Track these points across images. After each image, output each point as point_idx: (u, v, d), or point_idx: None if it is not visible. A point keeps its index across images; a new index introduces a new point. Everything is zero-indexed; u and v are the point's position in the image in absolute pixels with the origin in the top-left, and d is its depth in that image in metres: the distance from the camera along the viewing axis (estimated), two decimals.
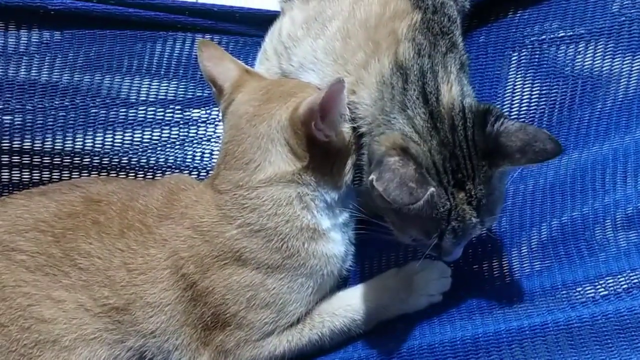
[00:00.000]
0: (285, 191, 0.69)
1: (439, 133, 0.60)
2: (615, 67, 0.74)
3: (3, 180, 0.80)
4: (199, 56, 0.76)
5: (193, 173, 0.84)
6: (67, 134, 0.80)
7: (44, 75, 0.77)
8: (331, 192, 0.70)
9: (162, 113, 0.83)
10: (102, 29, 0.77)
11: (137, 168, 0.83)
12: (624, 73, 0.73)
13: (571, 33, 0.78)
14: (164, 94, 0.83)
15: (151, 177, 0.83)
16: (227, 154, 0.70)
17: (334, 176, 0.70)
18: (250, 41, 0.84)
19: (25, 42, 0.75)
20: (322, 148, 0.67)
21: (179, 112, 0.83)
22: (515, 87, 0.78)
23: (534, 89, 0.77)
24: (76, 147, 0.81)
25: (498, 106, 0.73)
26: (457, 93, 0.62)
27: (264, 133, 0.69)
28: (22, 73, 0.76)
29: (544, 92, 0.76)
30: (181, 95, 0.83)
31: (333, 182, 0.70)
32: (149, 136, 0.82)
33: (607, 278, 0.64)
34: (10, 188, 0.81)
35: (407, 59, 0.65)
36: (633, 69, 0.73)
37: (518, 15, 0.82)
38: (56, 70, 0.78)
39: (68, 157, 0.81)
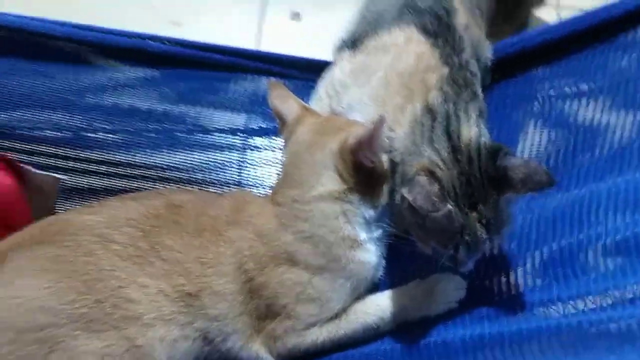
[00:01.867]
0: (332, 207, 0.83)
1: (459, 164, 0.74)
2: (612, 120, 0.87)
3: (101, 187, 0.96)
4: (268, 94, 0.90)
5: (250, 189, 1.00)
6: (156, 152, 0.96)
7: (144, 104, 0.95)
8: (369, 210, 0.84)
9: (230, 139, 0.99)
10: (191, 69, 0.95)
11: (207, 182, 0.99)
12: (618, 126, 0.85)
13: (576, 90, 0.92)
14: (233, 123, 0.99)
15: (217, 190, 0.99)
16: (287, 174, 0.85)
17: (372, 197, 0.84)
18: (307, 85, 1.01)
19: (133, 77, 0.93)
20: (365, 173, 0.81)
21: (244, 139, 0.99)
22: (527, 134, 0.93)
23: (543, 136, 0.90)
24: (162, 162, 0.96)
25: (513, 149, 0.88)
26: (475, 134, 0.77)
27: (319, 159, 0.83)
28: (128, 101, 0.94)
29: (551, 138, 0.90)
30: (247, 126, 1.00)
31: (372, 202, 0.84)
32: (220, 157, 0.98)
33: (595, 295, 0.74)
34: (108, 193, 0.96)
35: (436, 104, 0.81)
36: (626, 122, 0.85)
37: (532, 73, 0.97)
38: (153, 101, 0.95)
39: (154, 170, 0.97)
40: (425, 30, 0.90)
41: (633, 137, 0.84)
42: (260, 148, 1.00)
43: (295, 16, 1.57)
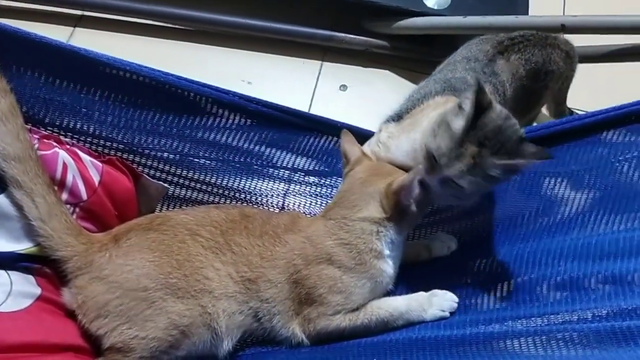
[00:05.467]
0: (370, 226, 1.05)
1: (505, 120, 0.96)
2: (570, 196, 1.11)
3: (193, 198, 1.23)
4: (341, 138, 1.15)
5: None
6: (236, 177, 1.22)
7: (235, 142, 1.21)
8: (396, 235, 1.07)
9: (293, 175, 1.26)
10: (277, 124, 1.23)
11: (269, 204, 1.26)
12: (573, 201, 1.10)
13: (554, 171, 1.16)
14: (297, 164, 1.26)
15: (275, 210, 1.27)
16: (342, 198, 1.09)
17: (401, 227, 1.07)
18: None
19: (231, 122, 1.20)
20: (400, 209, 1.05)
21: (303, 176, 1.27)
22: (513, 195, 1.20)
23: (521, 199, 1.17)
24: (239, 186, 1.23)
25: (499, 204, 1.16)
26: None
27: (369, 192, 1.06)
28: (224, 139, 1.20)
29: (527, 202, 1.16)
30: (307, 167, 1.27)
31: (399, 230, 1.07)
32: (282, 187, 1.26)
33: (550, 315, 0.98)
34: (195, 204, 1.23)
35: None
36: (580, 200, 1.10)
37: None
38: (242, 141, 1.21)
39: (232, 191, 1.23)
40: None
41: (579, 211, 1.09)
42: (311, 184, 1.29)
43: (343, 87, 1.91)
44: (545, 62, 1.36)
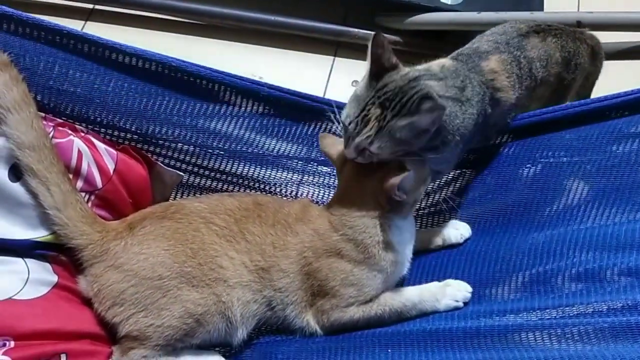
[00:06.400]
0: (371, 221, 1.04)
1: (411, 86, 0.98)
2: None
3: (207, 185, 1.24)
4: (319, 143, 1.14)
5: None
6: (250, 167, 1.23)
7: (248, 132, 1.21)
8: (400, 221, 1.06)
9: (305, 165, 1.26)
10: (290, 110, 1.21)
11: (283, 195, 1.26)
12: (588, 189, 1.09)
13: (557, 160, 1.15)
14: (311, 155, 1.26)
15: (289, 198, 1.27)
16: (339, 196, 1.09)
17: (404, 213, 1.06)
18: None
19: (243, 110, 1.19)
20: (397, 202, 1.02)
21: (315, 166, 1.26)
22: (522, 181, 1.18)
23: (532, 187, 1.15)
24: (252, 175, 1.23)
25: (506, 189, 1.16)
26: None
27: (363, 191, 1.05)
28: (238, 127, 1.20)
29: (537, 190, 1.15)
30: (320, 157, 1.26)
31: (403, 216, 1.06)
32: (295, 177, 1.26)
33: (565, 307, 0.97)
34: (209, 192, 1.23)
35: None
36: (592, 187, 1.09)
37: (533, 141, 1.22)
38: (255, 130, 1.20)
39: (245, 180, 1.23)
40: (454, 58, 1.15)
41: (596, 199, 1.07)
42: (324, 174, 1.29)
43: (355, 83, 1.91)
44: (576, 53, 1.35)
